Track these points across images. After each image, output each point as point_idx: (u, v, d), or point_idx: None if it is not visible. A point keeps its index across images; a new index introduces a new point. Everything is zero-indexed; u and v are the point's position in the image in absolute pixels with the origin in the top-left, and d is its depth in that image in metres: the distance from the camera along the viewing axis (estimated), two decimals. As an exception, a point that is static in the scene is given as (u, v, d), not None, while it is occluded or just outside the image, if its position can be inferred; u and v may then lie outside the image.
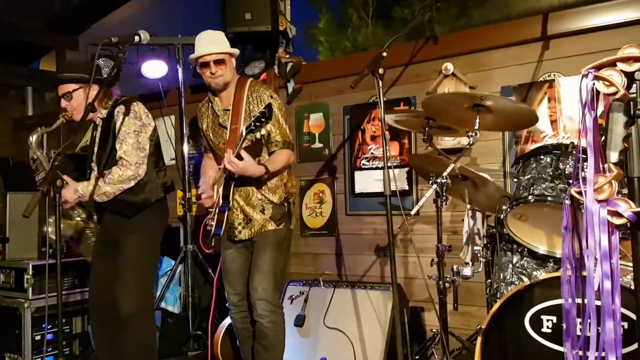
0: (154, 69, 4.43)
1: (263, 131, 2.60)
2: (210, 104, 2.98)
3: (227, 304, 3.02)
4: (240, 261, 2.96)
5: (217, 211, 2.85)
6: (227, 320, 3.61)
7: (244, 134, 2.60)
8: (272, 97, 2.84)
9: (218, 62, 2.80)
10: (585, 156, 1.36)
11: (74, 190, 2.79)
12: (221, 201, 2.82)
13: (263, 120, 2.54)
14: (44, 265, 3.37)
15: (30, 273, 3.35)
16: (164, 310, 4.08)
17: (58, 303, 2.15)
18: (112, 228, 2.94)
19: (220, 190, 2.83)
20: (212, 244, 2.87)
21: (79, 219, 3.20)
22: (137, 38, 2.56)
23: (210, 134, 3.00)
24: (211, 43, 2.82)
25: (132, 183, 2.80)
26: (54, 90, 3.14)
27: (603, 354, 1.33)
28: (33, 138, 3.01)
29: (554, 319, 2.18)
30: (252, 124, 2.56)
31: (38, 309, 3.32)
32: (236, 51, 2.89)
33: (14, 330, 3.34)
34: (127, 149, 2.78)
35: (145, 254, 2.90)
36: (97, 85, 2.71)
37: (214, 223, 2.85)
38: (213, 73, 2.81)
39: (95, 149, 2.93)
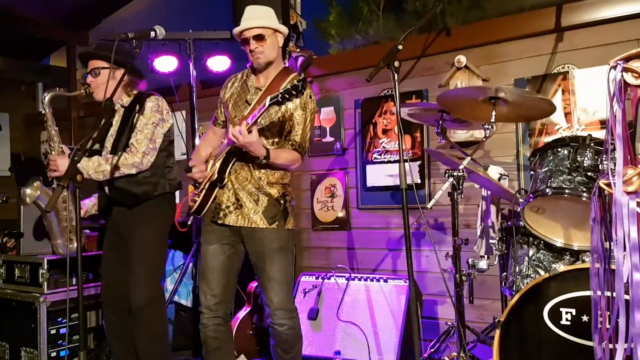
0: (165, 64, 4.43)
1: (290, 105, 2.47)
2: (245, 78, 2.76)
3: (199, 307, 2.72)
4: (223, 259, 2.69)
5: (206, 186, 2.62)
6: (241, 313, 3.64)
7: (267, 104, 2.38)
8: (310, 97, 2.64)
9: (257, 37, 2.55)
10: (613, 148, 1.36)
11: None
12: (215, 175, 2.59)
13: (293, 93, 2.34)
14: (58, 260, 3.40)
15: (45, 268, 3.37)
16: (177, 304, 4.10)
17: (78, 296, 2.16)
18: (120, 221, 2.96)
19: (218, 164, 2.59)
20: (189, 223, 2.62)
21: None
22: (152, 33, 2.52)
23: (230, 104, 2.73)
24: (253, 17, 2.58)
25: (134, 171, 2.81)
26: (82, 65, 3.11)
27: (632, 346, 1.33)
28: (47, 95, 2.90)
29: (573, 311, 2.18)
30: (280, 95, 2.35)
31: (53, 303, 3.36)
32: (283, 29, 2.64)
33: (29, 325, 3.36)
34: (140, 137, 2.82)
35: (153, 247, 2.91)
36: (123, 71, 2.67)
37: (198, 200, 2.64)
38: (252, 50, 2.57)
39: (111, 134, 2.94)
